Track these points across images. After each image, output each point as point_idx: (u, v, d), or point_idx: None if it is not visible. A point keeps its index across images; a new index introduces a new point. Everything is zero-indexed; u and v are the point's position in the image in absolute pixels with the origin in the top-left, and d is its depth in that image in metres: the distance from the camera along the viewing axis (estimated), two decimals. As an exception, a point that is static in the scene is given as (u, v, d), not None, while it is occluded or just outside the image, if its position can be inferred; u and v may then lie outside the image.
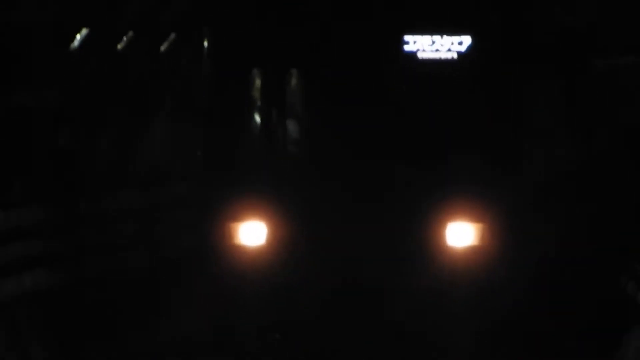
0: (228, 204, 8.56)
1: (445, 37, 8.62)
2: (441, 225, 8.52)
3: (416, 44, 8.65)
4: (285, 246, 8.57)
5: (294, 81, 8.83)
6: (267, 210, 8.56)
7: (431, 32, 8.61)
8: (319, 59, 8.70)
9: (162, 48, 10.40)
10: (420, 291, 8.51)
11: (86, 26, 8.96)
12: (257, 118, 8.84)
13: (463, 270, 8.51)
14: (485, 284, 8.49)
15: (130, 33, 9.40)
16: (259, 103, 8.75)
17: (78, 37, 9.03)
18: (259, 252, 8.58)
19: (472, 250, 8.53)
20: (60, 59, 8.83)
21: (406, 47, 8.65)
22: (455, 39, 8.61)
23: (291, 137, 8.85)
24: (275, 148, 8.81)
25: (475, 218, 8.51)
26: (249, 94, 8.73)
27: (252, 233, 8.58)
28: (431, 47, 8.65)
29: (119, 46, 9.53)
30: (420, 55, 8.66)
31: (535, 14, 9.67)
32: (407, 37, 8.63)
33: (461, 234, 8.54)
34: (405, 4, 8.69)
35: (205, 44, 8.75)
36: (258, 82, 8.77)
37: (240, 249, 8.59)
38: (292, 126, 8.85)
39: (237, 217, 8.56)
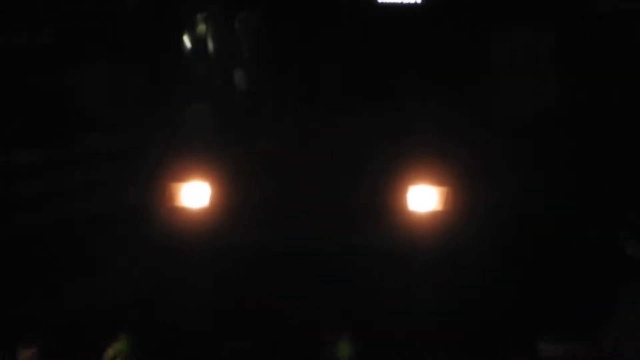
0: (169, 162, 7.82)
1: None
2: (402, 188, 7.81)
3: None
4: (230, 208, 7.85)
5: (242, 23, 8.04)
6: (211, 169, 7.83)
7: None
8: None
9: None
10: (378, 254, 7.80)
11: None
12: (201, 65, 8.07)
13: (424, 235, 7.82)
14: (448, 248, 7.80)
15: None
16: (203, 48, 7.97)
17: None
18: (202, 213, 7.87)
19: (435, 214, 7.83)
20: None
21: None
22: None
23: (237, 85, 8.07)
24: (221, 99, 8.05)
25: (438, 181, 7.80)
26: (193, 39, 7.96)
27: (195, 194, 7.86)
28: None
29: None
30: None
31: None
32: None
33: (423, 198, 7.83)
34: None
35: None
36: (202, 26, 7.99)
37: (182, 211, 7.88)
38: (238, 72, 8.08)
39: (179, 177, 7.84)
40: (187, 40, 8.01)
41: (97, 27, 9.18)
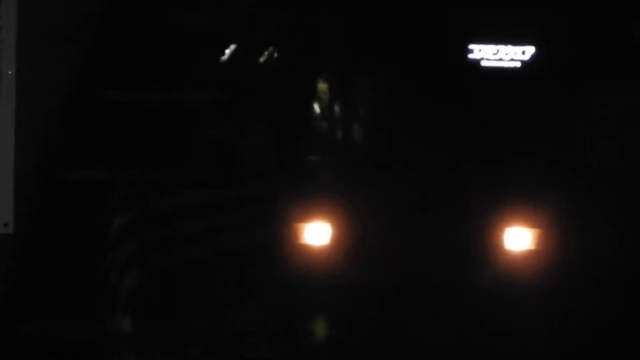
0: (294, 204, 8.97)
1: (509, 46, 8.87)
2: (499, 230, 8.76)
3: (480, 52, 8.91)
4: (349, 246, 8.94)
5: (361, 84, 9.20)
6: (331, 211, 8.94)
7: (495, 41, 8.87)
8: (385, 64, 9.03)
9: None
10: (480, 292, 8.74)
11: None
12: (325, 120, 9.22)
13: (520, 274, 8.72)
14: (543, 288, 8.68)
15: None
16: (327, 106, 9.13)
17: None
18: (324, 251, 8.97)
19: (530, 254, 8.74)
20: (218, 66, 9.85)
21: (470, 56, 8.93)
22: (519, 48, 8.86)
23: (356, 139, 9.23)
24: (341, 149, 9.18)
25: (532, 223, 8.72)
26: (318, 98, 9.13)
27: (317, 233, 8.98)
28: (495, 55, 8.89)
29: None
30: (483, 63, 8.92)
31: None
32: (471, 46, 8.92)
33: (519, 239, 8.76)
34: (470, 13, 8.96)
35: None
36: (325, 84, 9.17)
37: (305, 249, 9.01)
38: (357, 129, 9.23)
39: (303, 218, 8.98)
40: (314, 100, 9.23)
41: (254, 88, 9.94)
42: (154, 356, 8.57)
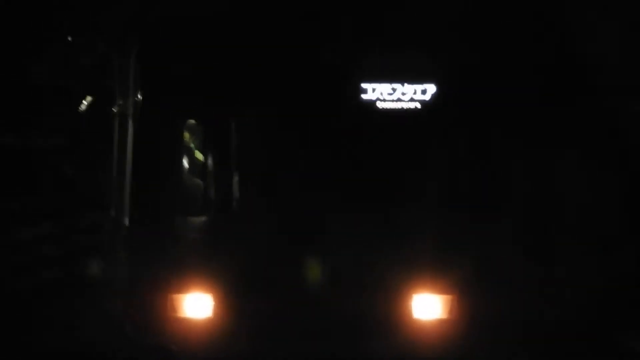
0: (166, 273, 7.74)
1: (406, 85, 7.75)
2: (406, 296, 7.64)
3: (375, 92, 7.78)
4: (233, 319, 7.75)
5: (241, 128, 7.99)
6: (212, 280, 7.74)
7: (392, 79, 7.74)
8: (268, 104, 7.86)
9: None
10: None
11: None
12: (197, 170, 8.04)
13: (429, 346, 7.62)
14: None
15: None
16: (198, 153, 7.92)
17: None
18: (205, 324, 7.77)
19: (440, 323, 7.63)
20: (67, 115, 11.17)
21: (364, 96, 7.79)
22: (418, 87, 7.74)
23: (236, 193, 8.02)
24: (217, 205, 7.99)
25: (443, 289, 7.61)
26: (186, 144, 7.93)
27: (197, 305, 7.78)
28: (391, 95, 7.77)
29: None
30: (379, 105, 7.79)
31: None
32: (364, 85, 7.78)
33: (428, 307, 7.65)
34: (362, 49, 7.82)
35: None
36: (198, 129, 7.97)
37: (184, 322, 7.80)
38: (238, 180, 8.02)
39: (180, 289, 7.77)
40: (180, 149, 8.00)
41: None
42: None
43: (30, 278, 10.23)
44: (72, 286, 9.86)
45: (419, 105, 7.76)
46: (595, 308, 8.36)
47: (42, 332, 8.67)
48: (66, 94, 10.95)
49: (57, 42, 10.76)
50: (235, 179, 7.95)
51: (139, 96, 7.78)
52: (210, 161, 7.99)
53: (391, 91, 7.76)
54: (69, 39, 10.53)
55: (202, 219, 7.99)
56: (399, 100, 7.76)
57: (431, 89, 7.74)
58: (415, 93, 7.75)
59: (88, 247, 10.30)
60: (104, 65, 9.38)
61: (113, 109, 7.79)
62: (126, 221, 7.83)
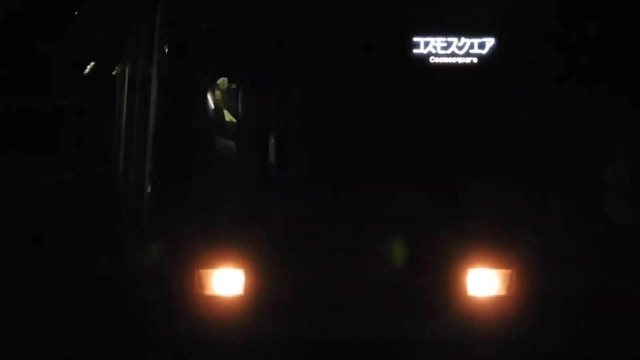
0: (197, 246, 6.96)
1: (462, 39, 6.98)
2: (460, 272, 6.96)
3: (428, 47, 7.01)
4: (267, 297, 7.01)
5: (281, 88, 7.18)
6: (244, 254, 6.98)
7: (446, 33, 6.97)
8: (311, 62, 7.05)
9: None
10: (434, 347, 6.96)
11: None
12: (229, 134, 7.24)
13: (485, 324, 6.98)
14: (510, 339, 6.97)
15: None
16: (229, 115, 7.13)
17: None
18: (236, 303, 7.03)
19: (497, 300, 6.99)
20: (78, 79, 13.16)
21: (415, 51, 7.02)
22: (475, 40, 6.98)
23: (273, 158, 7.21)
24: (252, 172, 7.20)
25: (500, 263, 6.95)
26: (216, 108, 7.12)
27: (227, 282, 7.02)
28: (446, 50, 7.01)
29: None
30: (432, 59, 7.03)
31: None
32: (416, 39, 7.00)
33: (484, 282, 6.98)
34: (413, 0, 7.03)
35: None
36: (231, 89, 7.15)
37: (213, 300, 7.04)
38: (275, 144, 7.23)
39: (209, 264, 6.99)
40: (211, 112, 7.19)
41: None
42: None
43: (54, 216, 11.51)
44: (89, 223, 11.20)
45: (475, 60, 7.03)
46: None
47: (64, 262, 9.69)
48: (84, 64, 12.89)
49: (80, 21, 12.39)
50: (272, 142, 7.17)
51: (165, 56, 6.92)
52: (244, 124, 7.17)
53: (445, 45, 7.01)
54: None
55: (234, 186, 7.19)
56: (453, 54, 7.01)
57: (490, 42, 7.01)
58: (472, 47, 7.01)
59: (100, 192, 11.70)
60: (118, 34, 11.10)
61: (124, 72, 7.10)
62: (148, 188, 7.03)
